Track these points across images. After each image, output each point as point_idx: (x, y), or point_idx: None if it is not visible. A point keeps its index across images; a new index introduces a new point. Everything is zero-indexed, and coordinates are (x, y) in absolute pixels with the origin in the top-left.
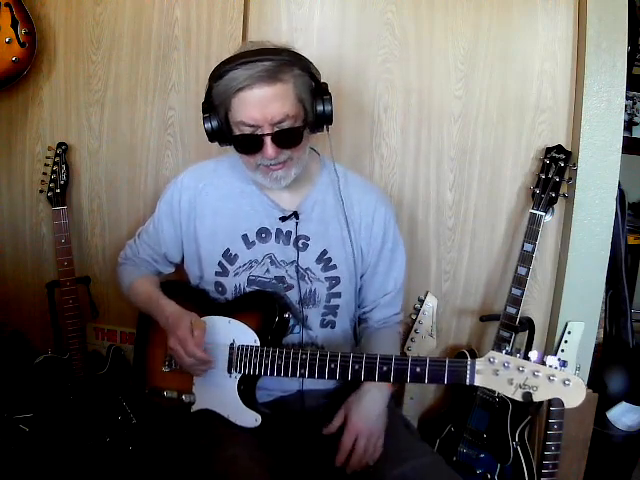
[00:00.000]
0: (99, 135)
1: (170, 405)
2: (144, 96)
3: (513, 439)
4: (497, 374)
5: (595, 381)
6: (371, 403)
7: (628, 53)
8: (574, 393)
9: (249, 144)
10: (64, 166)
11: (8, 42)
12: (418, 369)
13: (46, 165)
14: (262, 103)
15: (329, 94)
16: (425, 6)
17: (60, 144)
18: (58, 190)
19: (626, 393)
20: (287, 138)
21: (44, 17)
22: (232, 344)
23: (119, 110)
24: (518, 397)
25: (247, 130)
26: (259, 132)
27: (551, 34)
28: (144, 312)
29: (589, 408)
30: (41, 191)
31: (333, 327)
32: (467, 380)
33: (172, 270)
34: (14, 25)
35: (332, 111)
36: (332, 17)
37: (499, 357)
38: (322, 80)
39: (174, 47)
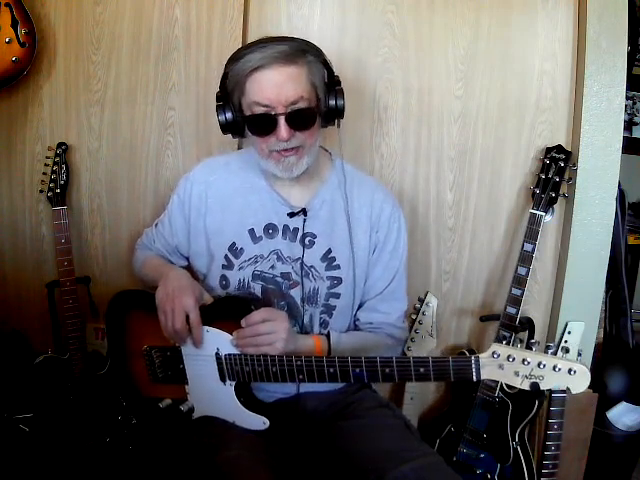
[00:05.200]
0: (99, 135)
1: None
2: (144, 96)
3: (513, 439)
4: (502, 368)
5: (595, 381)
6: (303, 339)
7: (628, 53)
8: (579, 380)
9: (262, 124)
10: (64, 166)
11: (8, 42)
12: (422, 369)
13: (46, 165)
14: (277, 83)
15: (341, 86)
16: (425, 6)
17: (60, 144)
18: (58, 190)
19: (626, 393)
20: (301, 119)
21: (44, 17)
22: (217, 353)
23: (119, 110)
24: (526, 387)
25: (260, 111)
26: (272, 112)
27: (551, 34)
28: (150, 283)
29: (589, 408)
30: (41, 191)
31: (325, 328)
32: (474, 376)
33: (184, 263)
34: (14, 25)
35: (344, 104)
36: (332, 17)
37: (503, 351)
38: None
39: (174, 47)
